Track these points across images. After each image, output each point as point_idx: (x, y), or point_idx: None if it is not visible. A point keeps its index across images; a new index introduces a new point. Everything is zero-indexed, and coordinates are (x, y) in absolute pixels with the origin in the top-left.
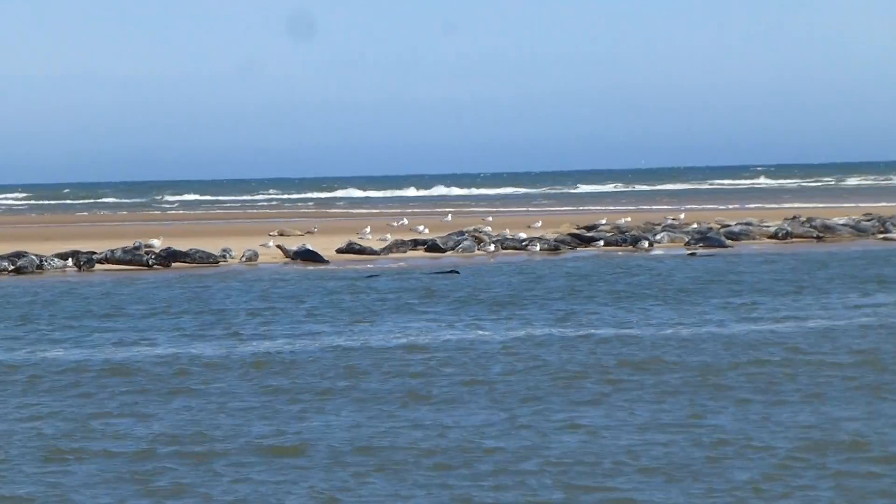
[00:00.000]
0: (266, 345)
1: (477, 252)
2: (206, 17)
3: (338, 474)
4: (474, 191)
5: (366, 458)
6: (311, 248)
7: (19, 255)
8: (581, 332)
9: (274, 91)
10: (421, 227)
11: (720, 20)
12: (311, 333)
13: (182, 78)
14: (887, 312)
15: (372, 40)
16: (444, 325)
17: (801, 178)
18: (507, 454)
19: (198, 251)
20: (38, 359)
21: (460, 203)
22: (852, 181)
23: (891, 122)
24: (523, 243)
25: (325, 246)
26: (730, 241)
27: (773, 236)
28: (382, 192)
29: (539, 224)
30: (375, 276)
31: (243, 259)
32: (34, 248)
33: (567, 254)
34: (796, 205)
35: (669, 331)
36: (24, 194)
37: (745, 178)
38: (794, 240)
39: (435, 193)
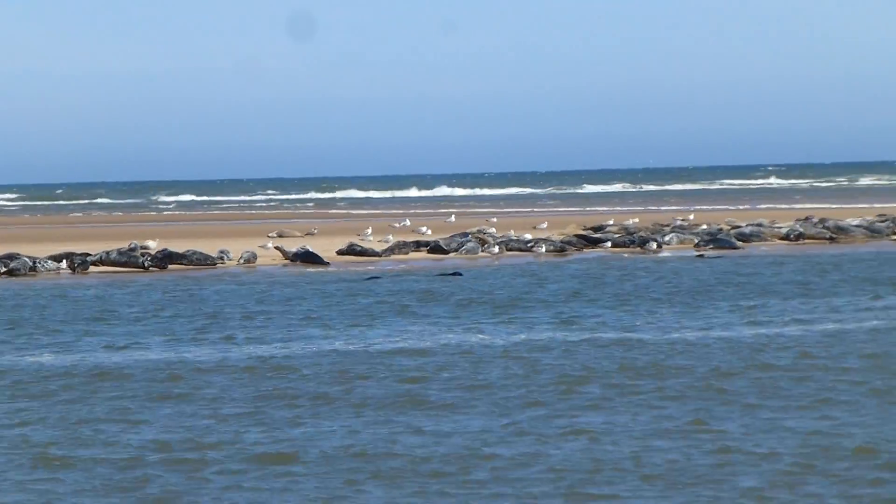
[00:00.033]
0: (261, 349)
1: (481, 254)
2: (204, 13)
3: (332, 482)
4: (478, 191)
5: (361, 464)
6: (310, 250)
7: (12, 256)
8: (584, 336)
9: (272, 89)
10: (424, 229)
11: (730, 17)
12: (308, 337)
13: (178, 75)
14: None
15: (373, 36)
16: (444, 328)
17: (812, 178)
18: (507, 461)
19: (195, 253)
20: (27, 363)
21: (464, 204)
22: (866, 181)
23: None
24: (528, 245)
25: (326, 247)
26: (740, 242)
27: (785, 238)
28: (384, 192)
29: (545, 225)
30: (376, 278)
31: (241, 261)
32: (27, 250)
33: (573, 255)
34: (808, 205)
35: (675, 335)
36: (17, 195)
37: (756, 178)
38: (806, 241)
39: (438, 194)
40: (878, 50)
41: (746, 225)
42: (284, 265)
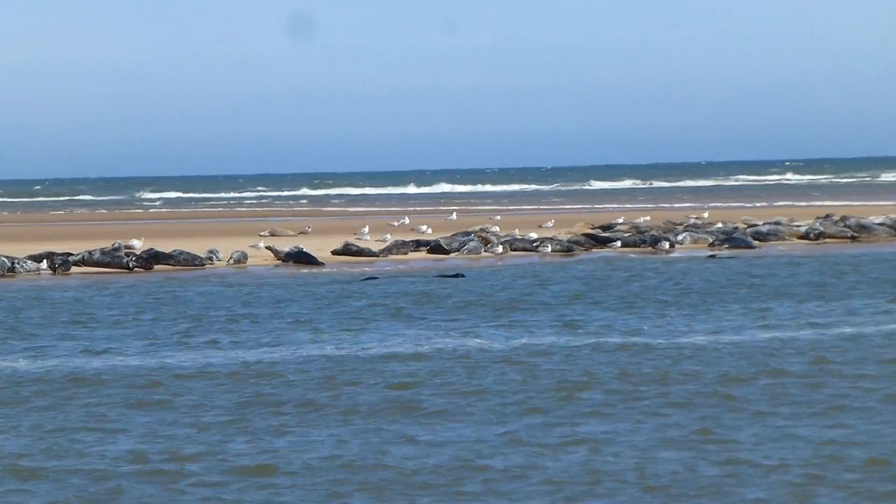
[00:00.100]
0: (246, 354)
1: (484, 254)
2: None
3: (317, 494)
4: (480, 188)
5: (348, 475)
6: (304, 250)
7: None
8: (587, 340)
9: (262, 80)
10: (423, 227)
11: (745, 7)
12: (296, 342)
13: (163, 66)
14: None
15: (370, 27)
16: (439, 332)
17: (832, 173)
18: (501, 472)
19: (182, 253)
20: None
21: (465, 201)
22: (888, 176)
23: None
24: (534, 244)
25: (320, 247)
26: (757, 241)
27: (804, 236)
28: (381, 189)
29: (551, 223)
30: (373, 279)
31: (231, 261)
32: (5, 250)
33: (581, 255)
34: (828, 202)
35: (683, 339)
36: None
37: (772, 173)
38: (826, 240)
39: (438, 190)
40: None
41: (764, 223)
42: (276, 266)
